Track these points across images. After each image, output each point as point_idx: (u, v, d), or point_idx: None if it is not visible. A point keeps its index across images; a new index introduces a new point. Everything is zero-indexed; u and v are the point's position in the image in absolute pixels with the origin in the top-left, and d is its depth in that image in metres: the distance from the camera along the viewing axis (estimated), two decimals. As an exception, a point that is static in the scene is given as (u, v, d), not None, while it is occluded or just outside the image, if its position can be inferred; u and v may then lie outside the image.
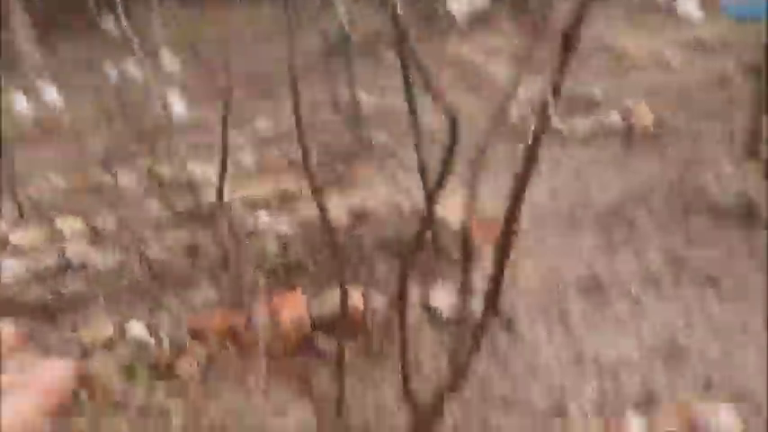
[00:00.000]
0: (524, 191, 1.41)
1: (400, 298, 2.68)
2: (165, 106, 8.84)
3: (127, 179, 7.15)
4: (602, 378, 3.24)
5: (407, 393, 2.11)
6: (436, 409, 1.67)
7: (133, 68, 10.26)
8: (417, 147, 4.28)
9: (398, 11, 1.86)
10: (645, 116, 7.06)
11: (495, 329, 3.64)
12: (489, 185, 5.73)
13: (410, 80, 4.11)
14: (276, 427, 3.27)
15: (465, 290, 2.54)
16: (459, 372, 1.63)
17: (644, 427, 2.78)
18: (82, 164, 8.11)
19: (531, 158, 1.36)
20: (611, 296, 3.95)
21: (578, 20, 1.52)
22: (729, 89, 8.35)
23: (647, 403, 3.03)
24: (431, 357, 3.65)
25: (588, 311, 3.82)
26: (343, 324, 3.22)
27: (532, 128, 1.70)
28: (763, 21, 10.05)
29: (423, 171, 4.35)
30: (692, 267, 4.20)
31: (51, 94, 12.04)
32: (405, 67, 3.98)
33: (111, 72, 11.40)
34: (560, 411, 3.07)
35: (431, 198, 4.40)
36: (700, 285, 4.01)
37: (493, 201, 5.52)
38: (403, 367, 2.13)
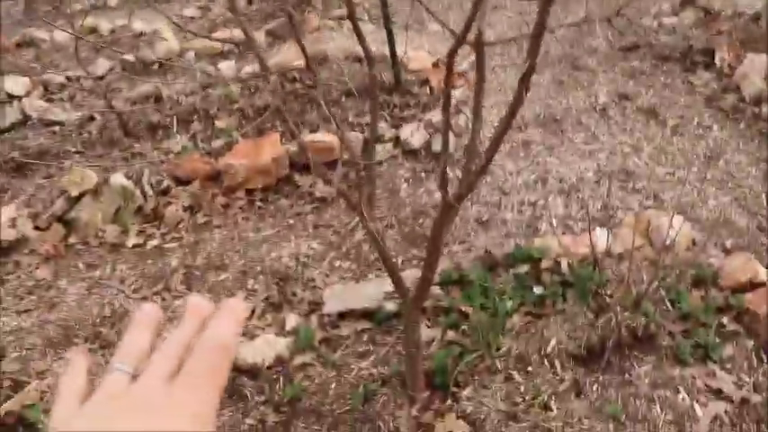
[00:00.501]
0: (466, 36, 1.57)
1: (373, 130, 2.86)
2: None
3: (60, 34, 6.87)
4: (566, 197, 3.61)
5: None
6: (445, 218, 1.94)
7: None
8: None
9: None
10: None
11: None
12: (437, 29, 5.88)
13: None
14: (273, 258, 3.51)
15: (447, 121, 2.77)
16: (470, 186, 1.88)
17: (608, 237, 3.18)
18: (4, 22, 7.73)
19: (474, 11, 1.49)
20: (566, 128, 4.28)
21: None
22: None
23: (606, 217, 3.44)
24: (405, 182, 3.97)
25: (548, 142, 4.15)
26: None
27: None
28: None
29: (386, 17, 4.46)
30: (636, 102, 4.56)
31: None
32: None
33: None
34: (532, 228, 3.44)
35: (392, 42, 4.56)
36: (644, 117, 4.39)
37: (444, 43, 5.69)
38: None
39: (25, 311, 3.41)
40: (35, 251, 3.81)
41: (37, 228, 3.90)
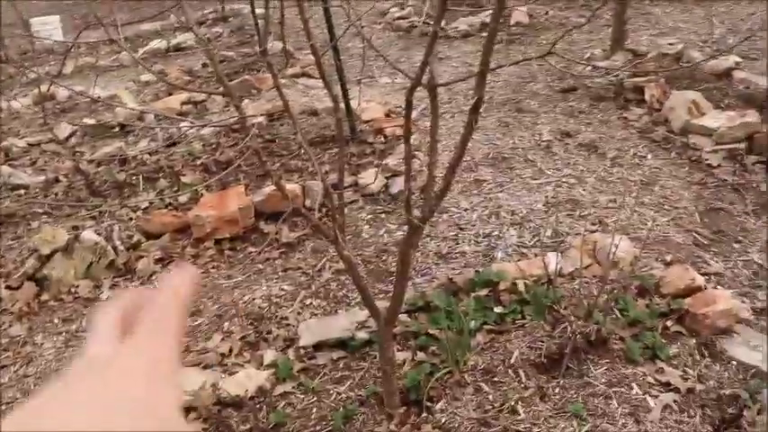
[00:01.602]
0: (422, 77, 1.80)
1: (340, 179, 3.07)
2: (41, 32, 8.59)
3: (16, 103, 7.01)
4: (518, 227, 3.87)
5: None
6: (411, 241, 2.16)
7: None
8: (335, 50, 4.63)
9: None
10: (520, 12, 7.70)
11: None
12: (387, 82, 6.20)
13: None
14: (246, 301, 3.67)
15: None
16: (431, 209, 2.11)
17: (559, 259, 3.43)
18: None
19: (432, 41, 1.71)
20: (515, 165, 4.58)
21: None
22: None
23: (556, 242, 3.71)
24: (366, 224, 4.19)
25: (499, 179, 4.43)
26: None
27: (417, 29, 2.08)
28: None
29: (340, 72, 4.74)
30: (577, 138, 4.91)
31: None
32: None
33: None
34: (489, 257, 3.68)
35: (346, 96, 4.83)
36: (585, 151, 4.73)
37: (394, 95, 6.02)
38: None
39: (2, 367, 3.48)
40: (7, 310, 3.88)
41: (8, 287, 3.98)
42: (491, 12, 1.76)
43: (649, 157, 4.60)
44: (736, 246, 3.67)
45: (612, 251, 3.09)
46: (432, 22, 1.88)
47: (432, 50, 1.86)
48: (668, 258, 3.47)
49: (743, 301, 3.13)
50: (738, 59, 5.39)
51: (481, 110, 5.37)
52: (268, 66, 2.09)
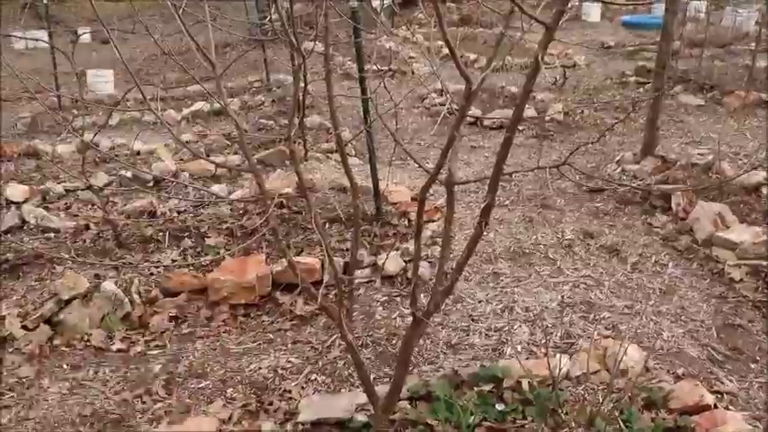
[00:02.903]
0: (437, 174, 1.85)
1: (352, 264, 3.14)
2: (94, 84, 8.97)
3: (61, 148, 7.27)
4: (531, 325, 3.86)
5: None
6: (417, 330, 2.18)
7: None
8: (368, 132, 4.76)
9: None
10: (556, 108, 7.85)
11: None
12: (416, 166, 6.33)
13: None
14: (252, 369, 3.68)
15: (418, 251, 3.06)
16: (436, 304, 2.14)
17: (567, 363, 3.40)
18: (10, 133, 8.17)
19: (449, 144, 1.78)
20: (534, 261, 4.60)
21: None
22: (627, 87, 9.33)
23: (567, 344, 3.68)
24: (380, 305, 4.21)
25: (516, 274, 4.45)
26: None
27: (447, 113, 2.16)
28: (652, 29, 11.17)
29: (371, 152, 4.86)
30: (599, 240, 4.92)
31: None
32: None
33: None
34: (498, 352, 3.66)
35: (375, 176, 4.93)
36: (606, 254, 4.73)
37: (423, 179, 6.11)
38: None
39: (4, 408, 3.51)
40: (19, 350, 3.94)
41: (24, 327, 4.05)
42: (513, 110, 1.83)
43: (671, 265, 4.59)
44: (752, 365, 3.60)
45: (621, 359, 3.07)
46: (468, 112, 1.95)
47: (449, 150, 1.93)
48: (680, 372, 3.42)
49: (755, 426, 3.06)
50: (768, 175, 5.41)
51: (507, 203, 5.43)
52: (290, 149, 2.17)
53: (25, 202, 5.72)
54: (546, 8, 2.41)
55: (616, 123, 5.73)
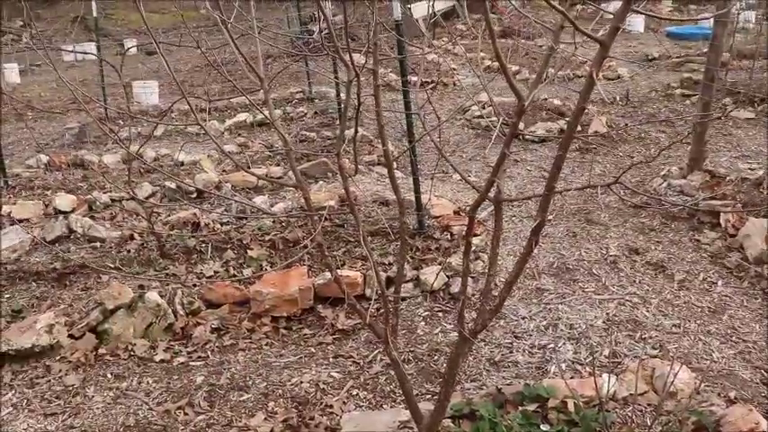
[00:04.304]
0: (487, 193, 1.82)
1: (398, 281, 3.10)
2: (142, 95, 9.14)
3: (107, 158, 7.41)
4: (575, 343, 3.79)
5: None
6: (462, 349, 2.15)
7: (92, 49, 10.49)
8: (411, 147, 4.75)
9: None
10: (600, 122, 7.74)
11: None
12: (460, 178, 6.26)
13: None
14: (293, 383, 3.68)
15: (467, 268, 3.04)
16: (483, 323, 2.11)
17: (614, 382, 3.33)
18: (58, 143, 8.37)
19: (500, 161, 1.75)
20: (578, 278, 4.52)
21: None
22: (673, 99, 9.16)
23: (613, 363, 3.60)
24: (423, 320, 4.18)
25: (560, 290, 4.38)
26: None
27: (499, 129, 2.10)
28: (698, 40, 10.99)
29: (414, 166, 4.85)
30: (645, 256, 4.82)
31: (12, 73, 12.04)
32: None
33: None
34: (542, 370, 3.60)
35: (418, 190, 4.90)
36: (652, 271, 4.63)
37: (465, 192, 6.07)
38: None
39: (51, 415, 3.57)
40: (66, 358, 4.01)
41: (71, 336, 4.12)
42: (569, 119, 1.80)
43: (720, 283, 4.47)
44: (808, 390, 3.48)
45: (671, 380, 2.99)
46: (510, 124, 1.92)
47: (500, 169, 1.90)
48: (732, 395, 3.32)
49: (811, 454, 2.95)
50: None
51: (551, 218, 5.35)
52: (339, 164, 2.17)
53: (72, 211, 5.84)
54: (585, 20, 2.38)
55: (673, 144, 5.56)
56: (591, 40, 1.75)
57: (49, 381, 3.85)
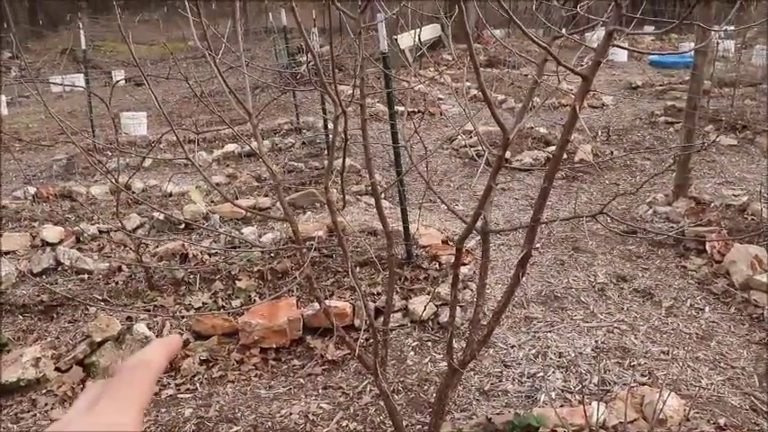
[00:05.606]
0: (474, 225, 1.84)
1: (387, 312, 3.12)
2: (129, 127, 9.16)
3: (95, 189, 7.40)
4: (564, 371, 3.79)
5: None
6: (452, 380, 2.15)
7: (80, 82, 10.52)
8: (399, 178, 4.77)
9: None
10: (585, 150, 7.82)
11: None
12: (446, 209, 6.27)
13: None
14: (283, 414, 3.65)
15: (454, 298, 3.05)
16: (472, 354, 2.12)
17: (603, 411, 3.33)
18: (46, 174, 8.35)
19: (486, 194, 1.77)
20: (567, 306, 4.54)
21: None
22: (657, 127, 9.28)
23: (603, 391, 3.61)
24: (412, 350, 4.17)
25: (549, 318, 4.39)
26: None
27: (483, 158, 2.15)
28: (680, 68, 11.18)
29: (401, 196, 4.87)
30: (633, 283, 4.85)
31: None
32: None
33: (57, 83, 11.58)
34: (532, 399, 3.60)
35: (406, 220, 4.92)
36: (640, 298, 4.65)
37: (453, 222, 6.09)
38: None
39: (37, 452, 3.52)
40: (52, 392, 3.96)
41: (58, 369, 4.08)
42: (555, 147, 1.83)
43: (707, 309, 4.50)
44: (797, 416, 3.49)
45: (660, 407, 2.99)
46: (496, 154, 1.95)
47: (486, 200, 1.93)
48: (721, 422, 3.32)
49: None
50: (805, 218, 5.32)
51: (539, 245, 5.37)
52: (327, 198, 2.18)
53: (60, 243, 5.81)
54: (569, 49, 2.42)
55: (658, 174, 5.64)
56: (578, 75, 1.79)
57: (35, 415, 3.80)
